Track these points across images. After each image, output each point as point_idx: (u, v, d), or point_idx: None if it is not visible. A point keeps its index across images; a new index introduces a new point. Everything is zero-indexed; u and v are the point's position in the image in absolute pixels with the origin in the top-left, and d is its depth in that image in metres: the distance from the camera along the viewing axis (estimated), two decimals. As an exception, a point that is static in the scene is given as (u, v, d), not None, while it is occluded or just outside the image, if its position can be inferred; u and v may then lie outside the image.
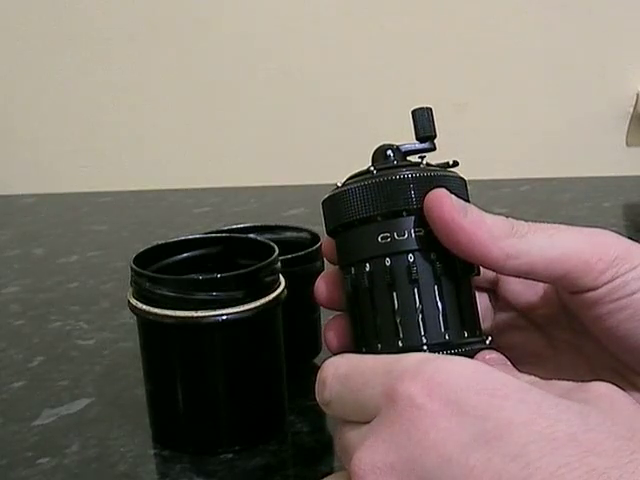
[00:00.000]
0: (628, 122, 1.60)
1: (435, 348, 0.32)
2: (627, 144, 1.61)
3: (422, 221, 0.33)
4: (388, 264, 0.33)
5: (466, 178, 0.35)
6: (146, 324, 0.45)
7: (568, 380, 0.30)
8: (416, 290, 0.33)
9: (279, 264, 0.46)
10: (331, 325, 0.37)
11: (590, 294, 0.32)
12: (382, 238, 0.33)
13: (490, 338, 0.34)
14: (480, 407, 0.27)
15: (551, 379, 0.30)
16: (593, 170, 1.18)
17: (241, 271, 0.44)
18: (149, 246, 0.48)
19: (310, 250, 0.53)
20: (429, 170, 0.34)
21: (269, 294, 0.44)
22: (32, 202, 1.19)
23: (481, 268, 0.35)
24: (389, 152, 0.35)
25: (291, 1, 1.57)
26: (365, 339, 0.34)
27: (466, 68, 1.55)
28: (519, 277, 0.33)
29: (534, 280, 0.34)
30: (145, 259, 0.46)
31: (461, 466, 0.26)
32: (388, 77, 1.55)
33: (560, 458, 0.25)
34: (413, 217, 0.33)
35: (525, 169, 1.35)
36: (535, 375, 0.31)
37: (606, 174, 1.13)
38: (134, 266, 0.44)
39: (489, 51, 1.56)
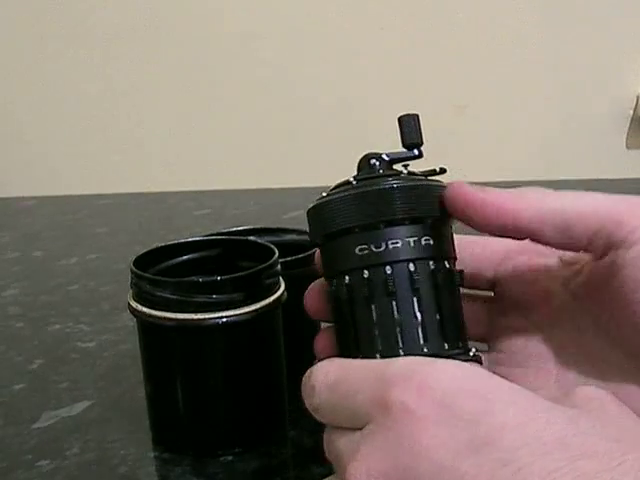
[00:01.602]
0: (628, 125, 1.60)
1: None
2: (627, 147, 1.61)
3: (400, 233, 0.33)
4: (366, 276, 0.33)
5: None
6: (146, 326, 0.45)
7: (568, 381, 0.30)
8: (394, 302, 0.32)
9: (279, 266, 0.46)
10: (320, 337, 0.37)
11: (621, 252, 0.31)
12: (360, 250, 0.33)
13: (474, 350, 0.34)
14: (472, 411, 0.27)
15: (550, 381, 0.30)
16: (593, 172, 1.18)
17: (241, 273, 0.44)
18: (149, 248, 0.48)
19: (310, 253, 0.53)
20: (411, 180, 0.34)
21: (269, 296, 0.44)
22: (32, 204, 1.19)
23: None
24: (373, 161, 0.35)
25: (292, 4, 1.57)
26: (346, 351, 0.34)
27: (466, 70, 1.55)
28: (552, 244, 0.32)
29: (569, 241, 0.32)
30: (145, 261, 0.46)
31: (453, 473, 0.26)
32: (388, 80, 1.56)
33: (551, 463, 0.25)
34: (391, 228, 0.33)
35: (525, 171, 1.35)
36: (535, 377, 0.31)
37: (606, 176, 1.13)
38: (134, 268, 0.44)
39: (489, 53, 1.57)
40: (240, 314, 0.43)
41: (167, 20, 1.59)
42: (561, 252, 0.36)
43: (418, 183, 0.34)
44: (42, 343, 0.64)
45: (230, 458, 0.45)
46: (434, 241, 0.33)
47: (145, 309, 0.43)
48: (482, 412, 0.27)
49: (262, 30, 1.57)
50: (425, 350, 0.32)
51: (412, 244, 0.33)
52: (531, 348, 0.37)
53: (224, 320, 0.42)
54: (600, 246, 0.32)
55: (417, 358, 0.30)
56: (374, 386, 0.29)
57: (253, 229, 0.56)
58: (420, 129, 0.35)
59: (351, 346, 0.34)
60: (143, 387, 0.47)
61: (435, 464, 0.26)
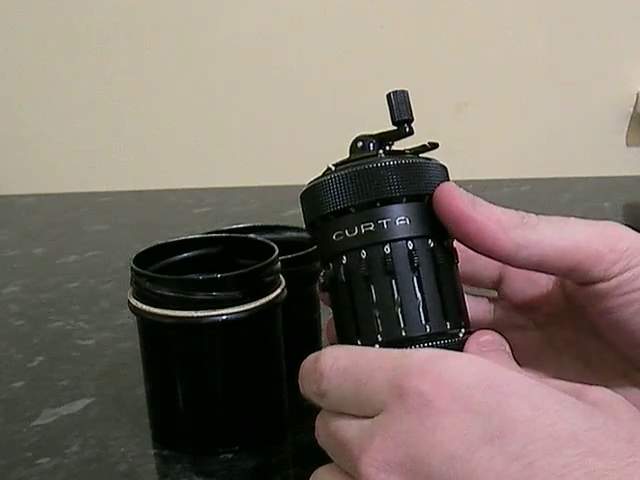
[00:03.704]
0: (628, 122, 1.60)
1: (416, 340, 0.32)
2: (627, 144, 1.61)
3: (397, 211, 0.32)
4: (364, 256, 0.32)
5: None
6: (146, 324, 0.45)
7: (568, 381, 0.30)
8: (393, 281, 0.32)
9: (279, 264, 0.46)
10: (330, 324, 0.36)
11: (601, 286, 0.32)
12: (357, 229, 0.33)
13: (464, 331, 0.33)
14: (486, 404, 0.27)
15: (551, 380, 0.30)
16: (593, 170, 1.18)
17: (241, 271, 0.44)
18: (149, 246, 0.47)
19: (310, 250, 0.53)
20: (403, 157, 0.33)
21: (269, 294, 0.44)
22: (32, 202, 1.19)
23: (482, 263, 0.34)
24: (359, 143, 0.34)
25: (291, 2, 1.57)
26: (346, 335, 0.33)
27: (467, 68, 1.55)
28: (529, 269, 0.33)
29: (544, 272, 0.33)
30: (145, 259, 0.46)
31: (465, 464, 0.26)
32: (389, 78, 1.55)
33: (561, 458, 0.25)
34: (387, 207, 0.32)
35: (525, 169, 1.35)
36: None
37: (606, 174, 1.13)
38: (134, 266, 0.44)
39: (489, 51, 1.56)
40: (240, 312, 0.43)
41: (167, 19, 1.59)
42: None
43: (416, 160, 0.33)
44: (42, 341, 0.64)
45: (230, 456, 0.45)
46: (431, 219, 0.33)
47: (145, 307, 0.43)
48: (496, 405, 0.27)
49: (261, 29, 1.57)
50: (427, 329, 0.32)
51: (409, 222, 0.32)
52: (530, 347, 0.37)
53: (224, 318, 0.42)
54: (579, 278, 0.33)
55: (435, 351, 0.30)
56: (390, 375, 0.29)
57: (253, 227, 0.56)
58: (410, 105, 0.35)
59: (349, 330, 0.33)
60: (143, 385, 0.48)
61: (448, 455, 0.27)
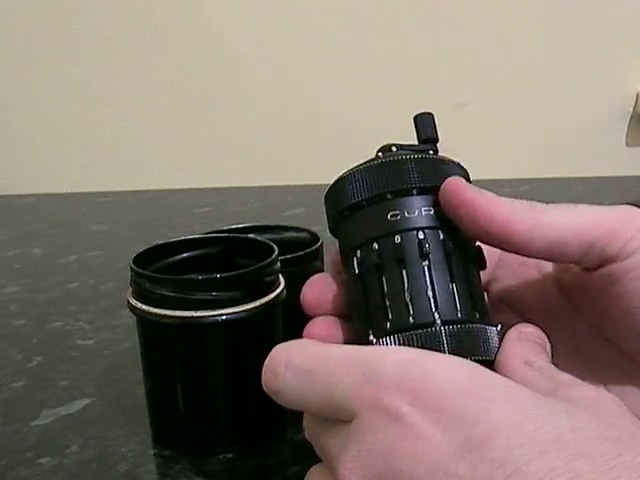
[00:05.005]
0: (628, 122, 1.60)
1: (449, 325, 0.31)
2: (627, 144, 1.61)
3: (432, 200, 0.33)
4: (398, 241, 0.32)
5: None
6: (146, 324, 0.45)
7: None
8: (426, 267, 0.32)
9: (279, 264, 0.46)
10: (313, 284, 0.36)
11: (615, 266, 0.31)
12: (392, 216, 0.33)
13: (500, 325, 0.33)
14: (467, 411, 0.26)
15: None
16: (593, 170, 1.18)
17: (241, 271, 0.44)
18: (149, 246, 0.48)
19: (310, 250, 0.53)
20: (421, 153, 0.34)
21: (269, 294, 0.44)
22: (32, 202, 1.19)
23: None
24: (393, 149, 0.35)
25: (291, 3, 1.57)
26: (372, 320, 0.33)
27: (466, 68, 1.55)
28: (541, 256, 0.32)
29: (558, 257, 0.32)
30: (145, 259, 0.46)
31: (449, 475, 0.26)
32: (388, 77, 1.55)
33: (546, 463, 0.25)
34: (424, 196, 0.33)
35: (525, 169, 1.35)
36: None
37: (606, 174, 1.13)
38: (134, 266, 0.44)
39: (489, 51, 1.56)
40: (240, 312, 0.43)
41: (166, 20, 1.59)
42: None
43: (446, 159, 0.34)
44: (42, 341, 0.64)
45: (230, 456, 0.45)
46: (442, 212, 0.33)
47: (145, 307, 0.43)
48: (477, 411, 0.26)
49: (261, 29, 1.57)
50: (459, 315, 0.32)
51: (424, 213, 0.33)
52: None
53: (224, 318, 0.42)
54: (594, 259, 0.32)
55: (407, 353, 0.29)
56: (359, 380, 0.28)
57: (253, 227, 0.56)
58: (435, 127, 0.35)
59: (377, 315, 0.33)
60: (143, 385, 0.48)
61: (431, 467, 0.26)
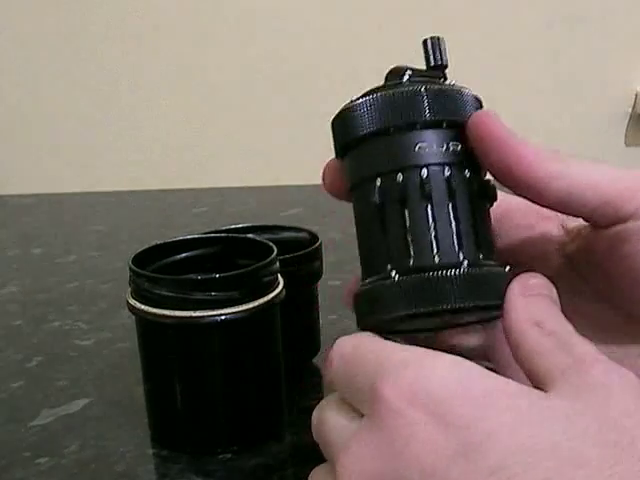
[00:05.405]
0: (627, 122, 1.60)
1: (448, 267, 0.30)
2: (626, 144, 1.61)
3: (459, 135, 0.32)
4: (425, 176, 0.31)
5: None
6: (145, 324, 0.45)
7: None
8: (451, 206, 0.31)
9: (278, 264, 0.46)
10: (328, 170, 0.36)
11: (628, 225, 0.31)
12: (420, 148, 0.31)
13: (509, 267, 0.32)
14: (463, 417, 0.26)
15: None
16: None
17: (240, 271, 0.44)
18: (148, 246, 0.47)
19: (309, 250, 0.53)
20: (445, 84, 0.33)
21: (268, 294, 0.44)
22: (31, 202, 1.19)
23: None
24: (407, 74, 0.33)
25: (291, 3, 1.57)
26: (392, 254, 0.32)
27: (466, 68, 1.55)
28: (556, 207, 0.32)
29: (572, 209, 0.32)
30: (144, 259, 0.46)
31: (442, 479, 0.26)
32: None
33: (541, 472, 0.24)
34: (452, 130, 0.32)
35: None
36: None
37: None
38: (133, 266, 0.44)
39: (489, 51, 1.56)
40: (238, 312, 0.43)
41: (165, 18, 1.59)
42: (562, 217, 0.35)
43: (472, 93, 0.33)
44: (41, 341, 0.64)
45: (229, 456, 0.45)
46: (468, 148, 0.32)
47: (143, 307, 0.43)
48: (473, 417, 0.26)
49: (261, 29, 1.57)
50: (460, 257, 0.31)
51: (451, 148, 0.32)
52: None
53: (222, 318, 0.42)
54: (607, 216, 0.32)
55: (413, 352, 0.29)
56: (371, 373, 0.29)
57: (251, 227, 0.56)
58: (445, 51, 0.34)
59: (378, 254, 0.32)
60: (142, 385, 0.47)
61: (425, 470, 0.26)
